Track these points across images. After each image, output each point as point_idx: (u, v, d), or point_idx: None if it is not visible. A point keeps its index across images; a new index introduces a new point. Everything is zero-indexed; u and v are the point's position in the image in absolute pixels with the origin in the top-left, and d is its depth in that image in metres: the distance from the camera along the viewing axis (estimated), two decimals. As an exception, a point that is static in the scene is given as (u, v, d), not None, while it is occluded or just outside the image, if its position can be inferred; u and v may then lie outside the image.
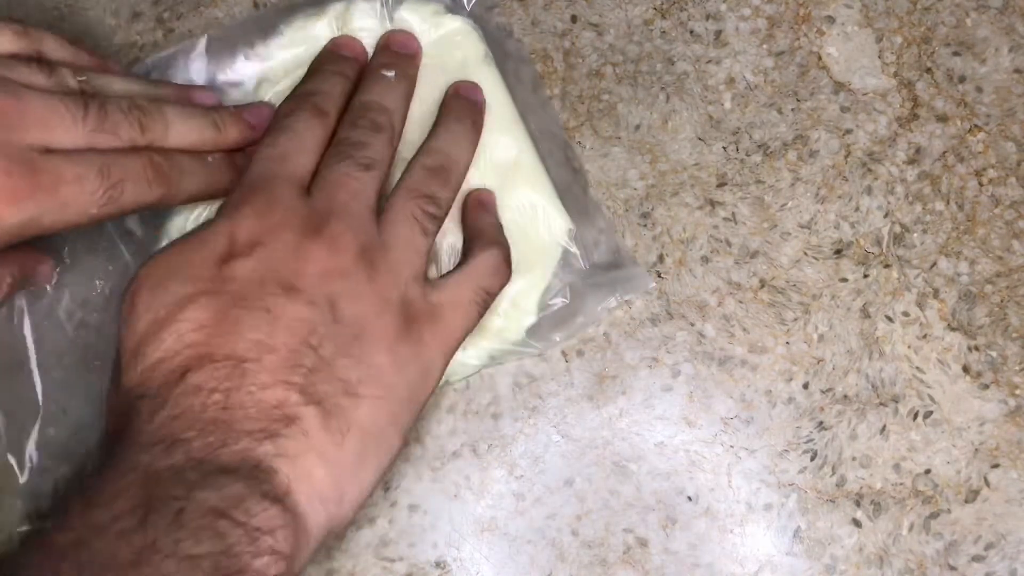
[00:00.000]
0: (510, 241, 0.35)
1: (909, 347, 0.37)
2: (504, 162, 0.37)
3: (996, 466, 0.36)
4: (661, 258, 0.38)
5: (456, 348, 0.32)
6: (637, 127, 0.39)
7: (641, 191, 0.38)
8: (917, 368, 0.37)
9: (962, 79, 0.39)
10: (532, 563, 0.36)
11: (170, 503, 0.25)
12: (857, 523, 0.36)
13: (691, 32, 0.39)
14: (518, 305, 0.36)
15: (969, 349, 0.37)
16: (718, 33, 0.39)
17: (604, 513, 0.36)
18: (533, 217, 0.36)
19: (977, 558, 0.36)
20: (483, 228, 0.35)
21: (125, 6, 0.40)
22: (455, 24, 0.37)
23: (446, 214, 0.34)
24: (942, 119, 0.39)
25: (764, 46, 0.39)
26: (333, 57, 0.36)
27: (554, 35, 0.39)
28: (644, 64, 0.39)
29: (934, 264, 0.38)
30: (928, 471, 0.36)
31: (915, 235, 0.38)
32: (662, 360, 0.37)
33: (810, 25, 0.39)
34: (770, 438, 0.37)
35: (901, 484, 0.36)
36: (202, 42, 0.37)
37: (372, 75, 0.35)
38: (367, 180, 0.32)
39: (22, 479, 0.36)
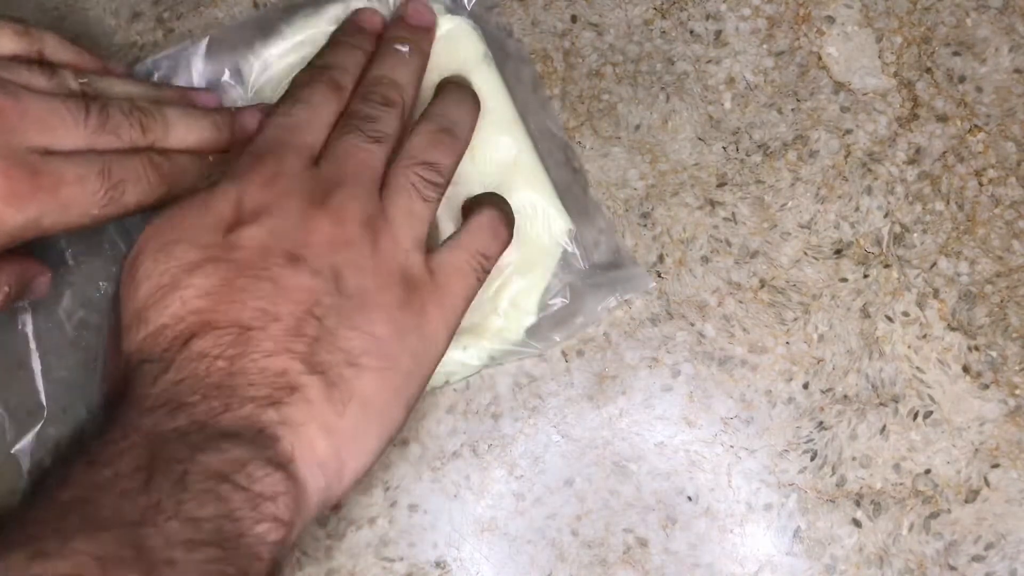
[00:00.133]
0: (510, 241, 0.35)
1: (909, 347, 0.37)
2: (504, 162, 0.37)
3: (996, 466, 0.36)
4: (661, 258, 0.38)
5: (459, 318, 0.32)
6: (637, 127, 0.39)
7: (641, 191, 0.38)
8: (917, 368, 0.37)
9: (962, 79, 0.39)
10: (532, 563, 0.36)
11: (173, 465, 0.25)
12: (857, 523, 0.36)
13: (691, 32, 0.39)
14: (518, 305, 0.36)
15: (969, 349, 0.37)
16: (718, 33, 0.39)
17: (604, 513, 0.36)
18: (533, 217, 0.36)
19: (977, 558, 0.36)
20: (480, 197, 0.35)
21: (125, 6, 0.40)
22: (455, 24, 0.37)
23: (448, 181, 0.33)
24: (942, 119, 0.39)
25: (764, 46, 0.39)
26: (354, 29, 0.36)
27: (554, 35, 0.39)
28: (644, 64, 0.39)
29: (934, 264, 0.38)
30: (928, 471, 0.36)
31: (915, 235, 0.38)
32: (662, 360, 0.37)
33: (810, 25, 0.39)
34: (770, 438, 0.37)
35: (901, 484, 0.36)
36: (203, 43, 0.37)
37: (386, 49, 0.35)
38: (375, 152, 0.32)
39: (24, 479, 0.36)
